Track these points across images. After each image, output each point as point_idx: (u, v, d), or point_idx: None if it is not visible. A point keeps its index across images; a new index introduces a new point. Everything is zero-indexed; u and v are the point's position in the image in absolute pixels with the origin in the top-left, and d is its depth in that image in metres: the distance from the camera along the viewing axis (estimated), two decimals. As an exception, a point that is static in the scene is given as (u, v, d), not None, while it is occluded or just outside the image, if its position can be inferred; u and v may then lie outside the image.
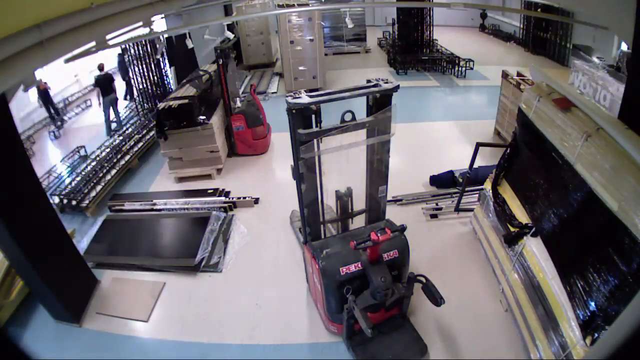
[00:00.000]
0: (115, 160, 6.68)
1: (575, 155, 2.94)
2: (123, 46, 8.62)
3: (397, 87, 3.07)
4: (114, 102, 8.54)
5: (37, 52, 2.62)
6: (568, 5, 7.19)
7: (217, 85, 6.68)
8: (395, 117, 3.15)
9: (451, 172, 5.68)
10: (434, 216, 5.11)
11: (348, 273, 3.10)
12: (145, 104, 9.13)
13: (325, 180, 3.42)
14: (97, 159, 6.79)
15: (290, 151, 3.13)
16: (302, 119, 2.97)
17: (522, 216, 3.68)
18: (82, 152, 7.34)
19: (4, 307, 4.00)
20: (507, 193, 4.04)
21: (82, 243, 4.99)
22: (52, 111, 9.40)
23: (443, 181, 5.65)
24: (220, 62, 6.00)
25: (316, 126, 3.06)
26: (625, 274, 2.35)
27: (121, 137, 7.54)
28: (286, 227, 5.15)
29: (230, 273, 4.51)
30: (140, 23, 4.98)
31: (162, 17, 7.77)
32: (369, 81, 3.15)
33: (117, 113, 8.73)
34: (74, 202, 5.55)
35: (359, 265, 3.12)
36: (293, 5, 8.94)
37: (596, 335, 2.48)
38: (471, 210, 4.87)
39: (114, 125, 8.55)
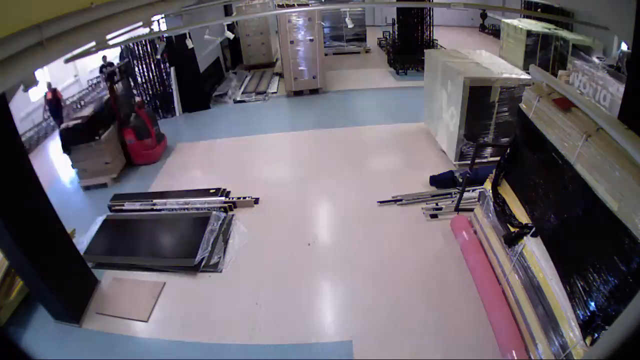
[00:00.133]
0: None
1: (575, 155, 2.94)
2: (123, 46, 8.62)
3: None
4: None
5: (37, 52, 2.62)
6: (568, 5, 7.19)
7: (123, 97, 7.16)
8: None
9: (451, 172, 5.68)
10: (434, 216, 5.11)
11: None
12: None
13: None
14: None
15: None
16: None
17: (522, 216, 3.68)
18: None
19: (4, 307, 4.00)
20: (507, 193, 4.04)
21: (82, 243, 4.98)
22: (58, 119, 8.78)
23: (443, 181, 5.65)
24: (109, 84, 6.62)
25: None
26: (625, 274, 2.35)
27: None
28: (286, 227, 5.15)
29: (230, 273, 4.51)
30: (140, 23, 4.99)
31: (162, 17, 7.79)
32: None
33: None
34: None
35: None
36: (293, 5, 8.95)
37: (596, 335, 2.48)
38: (471, 210, 4.86)
39: None
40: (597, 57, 7.27)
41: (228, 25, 8.61)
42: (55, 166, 7.61)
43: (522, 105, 3.93)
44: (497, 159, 4.50)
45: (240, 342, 3.68)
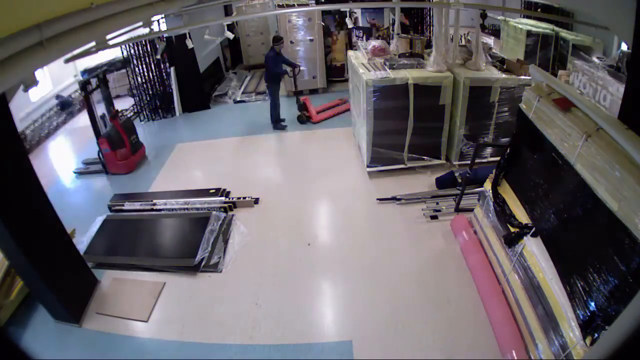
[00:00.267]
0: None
1: (575, 155, 2.94)
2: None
3: None
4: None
5: (37, 52, 2.61)
6: (568, 5, 7.19)
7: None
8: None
9: (451, 172, 5.68)
10: (434, 217, 5.10)
11: None
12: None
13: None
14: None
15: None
16: None
17: (522, 216, 3.68)
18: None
19: (4, 307, 4.00)
20: (507, 193, 4.04)
21: (82, 243, 4.98)
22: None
23: (443, 181, 5.64)
24: (83, 94, 6.55)
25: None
26: (625, 274, 2.35)
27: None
28: (286, 226, 5.15)
29: (230, 273, 4.51)
30: (140, 23, 4.99)
31: (162, 17, 7.78)
32: None
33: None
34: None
35: None
36: (293, 5, 8.94)
37: (596, 335, 2.48)
38: (471, 210, 4.86)
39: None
40: (597, 57, 7.26)
41: (228, 25, 8.59)
42: (55, 166, 7.62)
43: (522, 105, 3.93)
44: (497, 159, 4.50)
45: (240, 342, 3.68)
